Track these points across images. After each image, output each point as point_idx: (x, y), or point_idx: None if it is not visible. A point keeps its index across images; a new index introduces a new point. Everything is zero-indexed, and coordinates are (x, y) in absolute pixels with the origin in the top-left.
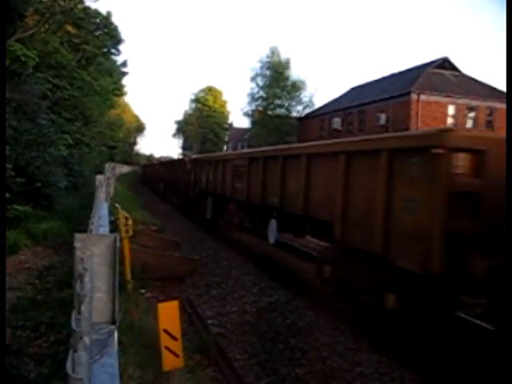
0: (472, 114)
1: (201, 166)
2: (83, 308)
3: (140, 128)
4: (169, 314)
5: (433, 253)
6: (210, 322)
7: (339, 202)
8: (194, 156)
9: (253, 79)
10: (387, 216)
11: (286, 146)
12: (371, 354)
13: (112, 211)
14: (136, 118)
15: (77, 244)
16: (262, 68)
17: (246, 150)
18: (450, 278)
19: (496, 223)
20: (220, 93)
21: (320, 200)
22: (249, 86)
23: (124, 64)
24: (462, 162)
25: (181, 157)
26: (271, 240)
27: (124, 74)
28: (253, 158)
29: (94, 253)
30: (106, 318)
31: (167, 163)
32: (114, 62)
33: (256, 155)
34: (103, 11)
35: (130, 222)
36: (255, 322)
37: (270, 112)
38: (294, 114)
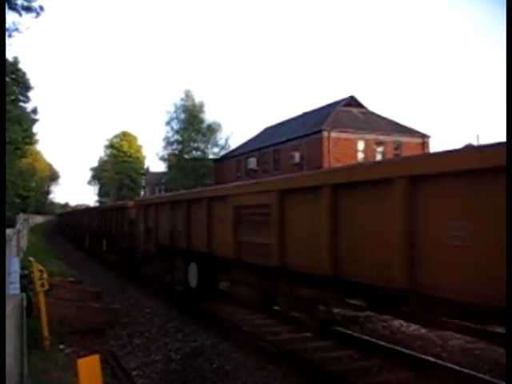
0: (380, 149)
1: (157, 210)
2: None
3: (54, 176)
4: (90, 369)
5: None
6: (134, 373)
7: None
8: (146, 197)
9: (168, 123)
10: None
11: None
12: None
13: (25, 265)
14: (49, 166)
15: None
16: (176, 112)
17: (271, 178)
18: None
19: None
20: (135, 138)
21: None
22: (164, 130)
23: (34, 111)
24: None
25: (102, 202)
26: None
27: (34, 121)
28: (290, 191)
29: None
30: (14, 383)
31: (95, 210)
32: (24, 109)
33: (309, 182)
34: (10, 57)
35: (45, 275)
36: (181, 370)
37: (186, 155)
38: (211, 156)
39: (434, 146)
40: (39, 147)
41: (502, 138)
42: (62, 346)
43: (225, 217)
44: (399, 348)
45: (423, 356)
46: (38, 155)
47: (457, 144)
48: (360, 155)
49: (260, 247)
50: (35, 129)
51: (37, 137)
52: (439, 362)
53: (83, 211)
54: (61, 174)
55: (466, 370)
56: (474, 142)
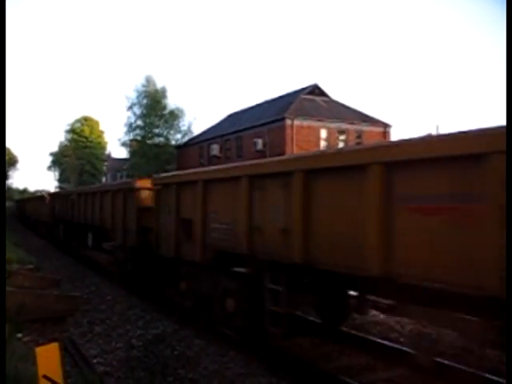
0: (343, 137)
1: (206, 191)
2: None
3: (12, 161)
4: (48, 357)
5: None
6: (94, 361)
7: None
8: (177, 173)
9: (129, 108)
10: None
11: None
12: (261, 377)
13: None
14: (7, 150)
15: None
16: (138, 97)
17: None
18: None
19: None
20: (97, 123)
21: None
22: (126, 116)
23: None
24: None
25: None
26: None
27: None
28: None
29: None
30: None
31: (76, 195)
32: None
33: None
34: None
35: None
36: (142, 357)
37: (148, 141)
38: (173, 143)
39: (395, 135)
40: None
41: (460, 127)
42: (19, 335)
43: None
44: (359, 333)
45: (382, 341)
46: None
47: (417, 133)
48: (323, 143)
49: None
50: None
51: None
52: (397, 346)
53: (57, 196)
54: (19, 158)
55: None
56: (434, 132)
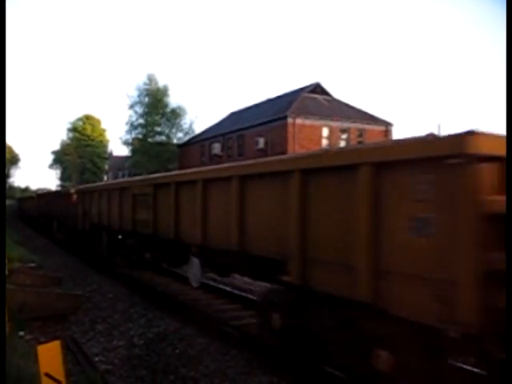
0: (344, 136)
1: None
2: None
3: (14, 160)
4: (50, 355)
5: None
6: (96, 359)
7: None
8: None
9: (131, 107)
10: None
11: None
12: (262, 376)
13: None
14: (9, 148)
15: None
16: (139, 95)
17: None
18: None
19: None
20: (98, 121)
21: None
22: (127, 114)
23: None
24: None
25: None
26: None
27: None
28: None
29: None
30: None
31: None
32: None
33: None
34: None
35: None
36: (144, 355)
37: (150, 139)
38: (175, 141)
39: (397, 134)
40: None
41: (462, 127)
42: (21, 333)
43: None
44: None
45: None
46: None
47: (419, 132)
48: (324, 142)
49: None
50: None
51: None
52: None
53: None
54: (21, 157)
55: None
56: (436, 131)
